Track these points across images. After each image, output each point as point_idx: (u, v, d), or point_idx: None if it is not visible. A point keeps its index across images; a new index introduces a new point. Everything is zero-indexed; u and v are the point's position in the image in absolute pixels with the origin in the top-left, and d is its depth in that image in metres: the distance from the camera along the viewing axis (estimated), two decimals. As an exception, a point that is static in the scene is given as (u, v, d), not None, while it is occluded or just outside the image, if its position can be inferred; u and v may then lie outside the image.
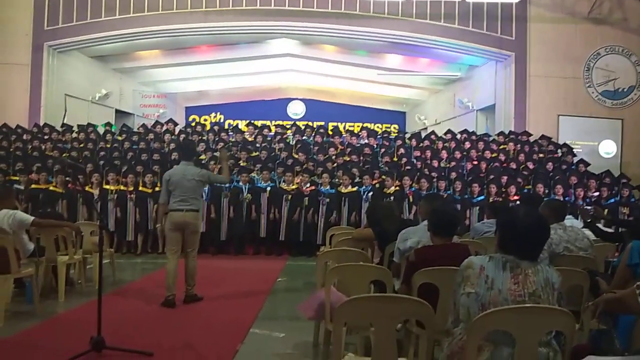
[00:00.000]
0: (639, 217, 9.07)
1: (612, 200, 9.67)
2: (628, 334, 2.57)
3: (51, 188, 8.95)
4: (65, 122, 12.52)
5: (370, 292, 3.72)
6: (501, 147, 11.57)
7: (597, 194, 9.72)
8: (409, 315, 2.92)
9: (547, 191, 9.37)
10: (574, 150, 11.96)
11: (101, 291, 4.01)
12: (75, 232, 5.98)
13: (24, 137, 11.36)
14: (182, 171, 5.71)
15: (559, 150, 11.82)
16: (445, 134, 12.45)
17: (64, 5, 12.96)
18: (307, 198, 9.22)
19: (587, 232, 4.96)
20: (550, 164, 10.73)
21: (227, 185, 8.63)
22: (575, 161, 11.36)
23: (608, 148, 13.14)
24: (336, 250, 4.70)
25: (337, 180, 9.48)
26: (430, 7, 12.88)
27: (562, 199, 8.87)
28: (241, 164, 10.01)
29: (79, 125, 12.18)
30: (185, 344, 4.34)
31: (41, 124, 12.10)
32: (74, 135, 11.78)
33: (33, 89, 12.92)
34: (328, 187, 9.29)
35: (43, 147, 10.86)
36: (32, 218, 5.39)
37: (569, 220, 4.85)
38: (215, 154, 10.47)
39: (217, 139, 11.67)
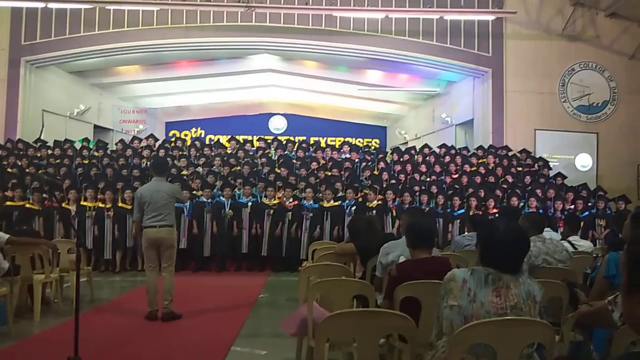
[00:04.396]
0: (615, 230, 9.27)
1: (588, 212, 9.84)
2: (605, 345, 2.61)
3: (27, 205, 8.77)
4: (42, 137, 12.32)
5: (353, 307, 3.71)
6: (480, 161, 11.74)
7: (572, 206, 9.89)
8: (391, 330, 2.91)
9: (522, 204, 9.52)
10: (549, 163, 12.20)
11: (78, 310, 3.91)
12: (51, 250, 5.85)
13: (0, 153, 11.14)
14: (155, 187, 5.72)
15: (536, 164, 12.03)
16: (422, 148, 12.60)
17: (41, 20, 12.84)
18: (289, 213, 9.20)
19: (566, 244, 5.02)
20: (527, 177, 10.92)
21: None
22: (552, 174, 11.57)
23: (584, 161, 13.44)
24: (318, 265, 4.67)
25: (320, 194, 9.48)
26: (408, 24, 13.11)
27: (536, 211, 9.00)
28: (223, 175, 9.97)
29: (55, 141, 11.99)
30: (165, 363, 4.26)
31: (17, 140, 11.89)
32: (50, 151, 11.57)
33: (9, 104, 12.72)
34: (312, 202, 9.28)
35: (19, 163, 10.66)
36: (7, 236, 5.27)
37: (548, 233, 4.92)
38: (197, 169, 10.41)
39: (198, 154, 11.60)
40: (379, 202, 9.30)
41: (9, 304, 5.07)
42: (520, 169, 11.59)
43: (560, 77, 13.51)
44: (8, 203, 8.81)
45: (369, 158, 12.04)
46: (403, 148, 13.28)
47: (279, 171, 10.51)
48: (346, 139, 15.74)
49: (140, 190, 5.84)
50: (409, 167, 11.09)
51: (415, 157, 11.98)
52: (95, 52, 13.07)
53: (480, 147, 12.40)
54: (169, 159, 10.65)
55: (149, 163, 10.86)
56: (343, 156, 12.03)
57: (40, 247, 5.78)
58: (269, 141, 13.02)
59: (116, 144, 12.58)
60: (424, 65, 13.91)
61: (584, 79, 13.56)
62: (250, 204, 9.31)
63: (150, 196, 5.62)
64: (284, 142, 12.61)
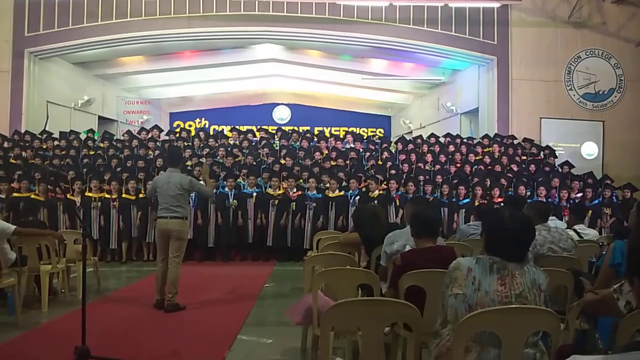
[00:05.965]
0: (621, 218, 9.24)
1: (596, 201, 9.81)
2: (610, 333, 2.61)
3: (32, 196, 8.82)
4: (47, 129, 12.35)
5: (358, 296, 3.72)
6: (486, 149, 11.69)
7: (580, 195, 9.85)
8: (396, 318, 2.92)
9: (529, 193, 9.49)
10: (555, 152, 12.13)
11: (85, 300, 3.95)
12: (58, 240, 5.89)
13: (5, 144, 11.19)
14: (168, 178, 5.72)
15: (542, 153, 11.97)
16: (429, 137, 12.56)
17: (44, 12, 12.80)
18: (293, 203, 9.21)
19: (571, 232, 5.01)
20: (533, 166, 10.87)
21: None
22: (559, 163, 11.51)
23: (590, 150, 13.35)
24: (323, 254, 4.68)
25: (323, 185, 9.49)
26: (413, 12, 13.00)
27: (544, 200, 8.98)
28: (227, 166, 9.98)
29: (60, 132, 12.02)
30: (172, 351, 4.30)
31: (22, 131, 11.93)
32: (56, 142, 11.60)
33: (14, 96, 12.72)
34: (315, 192, 9.28)
35: (24, 154, 10.70)
36: (14, 227, 5.30)
37: (553, 222, 4.91)
38: (201, 159, 10.42)
39: (202, 145, 11.60)
40: (381, 192, 9.30)
41: (16, 294, 5.12)
42: (525, 157, 11.54)
43: (566, 65, 13.39)
44: (14, 194, 8.86)
45: (373, 147, 12.01)
46: (408, 137, 13.23)
47: (283, 161, 10.51)
48: (350, 129, 15.70)
49: (156, 179, 6.02)
50: (413, 157, 11.06)
51: (421, 147, 11.95)
52: (98, 42, 13.03)
53: (486, 136, 12.35)
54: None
55: (154, 154, 10.88)
56: (347, 146, 12.01)
57: (47, 238, 5.82)
58: (272, 131, 13.00)
59: (123, 134, 12.60)
60: (429, 54, 13.80)
61: (590, 66, 13.43)
62: (255, 194, 9.33)
63: (162, 187, 5.68)
64: (288, 132, 12.59)
